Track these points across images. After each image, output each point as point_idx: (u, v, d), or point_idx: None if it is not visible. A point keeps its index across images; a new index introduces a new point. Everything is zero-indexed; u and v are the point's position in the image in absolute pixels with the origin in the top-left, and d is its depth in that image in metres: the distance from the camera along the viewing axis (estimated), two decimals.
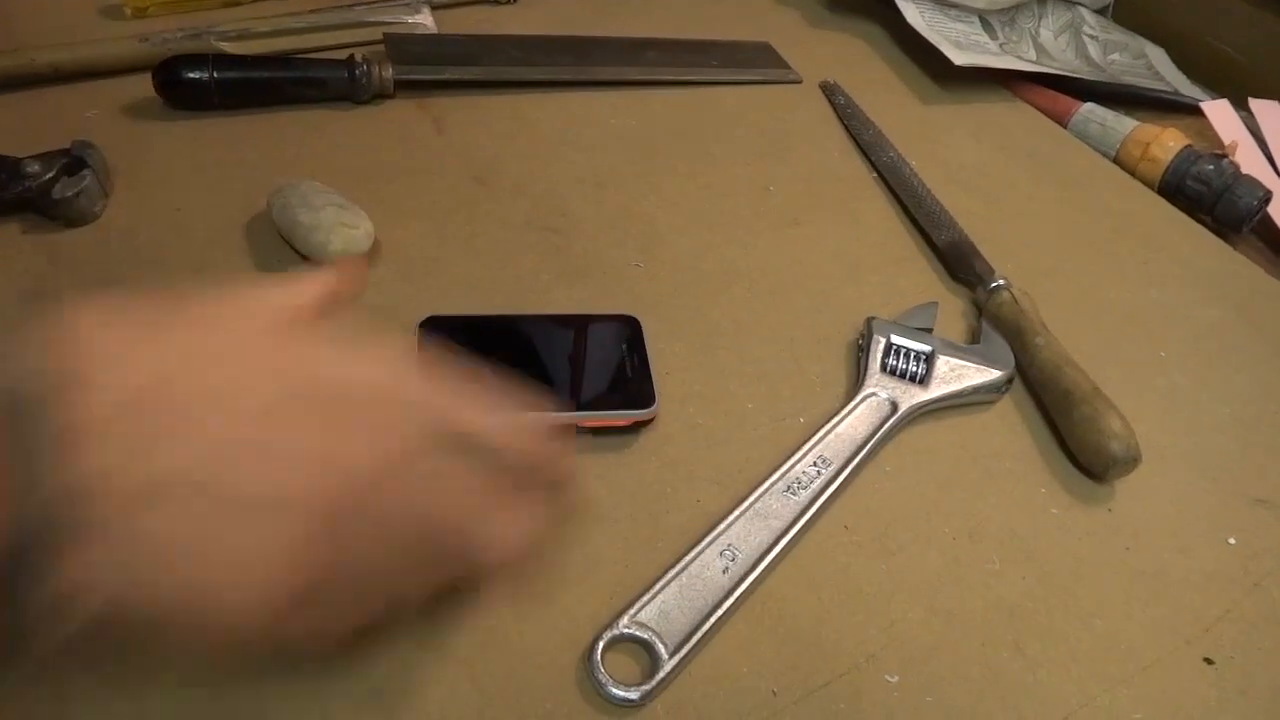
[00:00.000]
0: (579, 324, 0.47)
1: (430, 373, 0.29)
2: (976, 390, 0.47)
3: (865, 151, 0.64)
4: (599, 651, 0.34)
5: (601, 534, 0.39)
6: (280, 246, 0.48)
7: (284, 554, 0.24)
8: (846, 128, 0.67)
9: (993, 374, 0.47)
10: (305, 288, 0.30)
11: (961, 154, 0.66)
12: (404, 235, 0.51)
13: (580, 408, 0.42)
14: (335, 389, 0.26)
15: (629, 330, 0.46)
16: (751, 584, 0.37)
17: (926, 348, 0.48)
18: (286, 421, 0.25)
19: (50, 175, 0.47)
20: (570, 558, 0.38)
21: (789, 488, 0.41)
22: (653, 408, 0.42)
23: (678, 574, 0.37)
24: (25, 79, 0.55)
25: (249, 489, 0.24)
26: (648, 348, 0.45)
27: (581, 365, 0.45)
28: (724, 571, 0.38)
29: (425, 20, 0.67)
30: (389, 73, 0.59)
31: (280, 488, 0.24)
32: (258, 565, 0.24)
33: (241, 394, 0.25)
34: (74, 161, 0.48)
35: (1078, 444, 0.44)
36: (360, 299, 0.43)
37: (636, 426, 0.43)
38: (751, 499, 0.40)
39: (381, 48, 0.64)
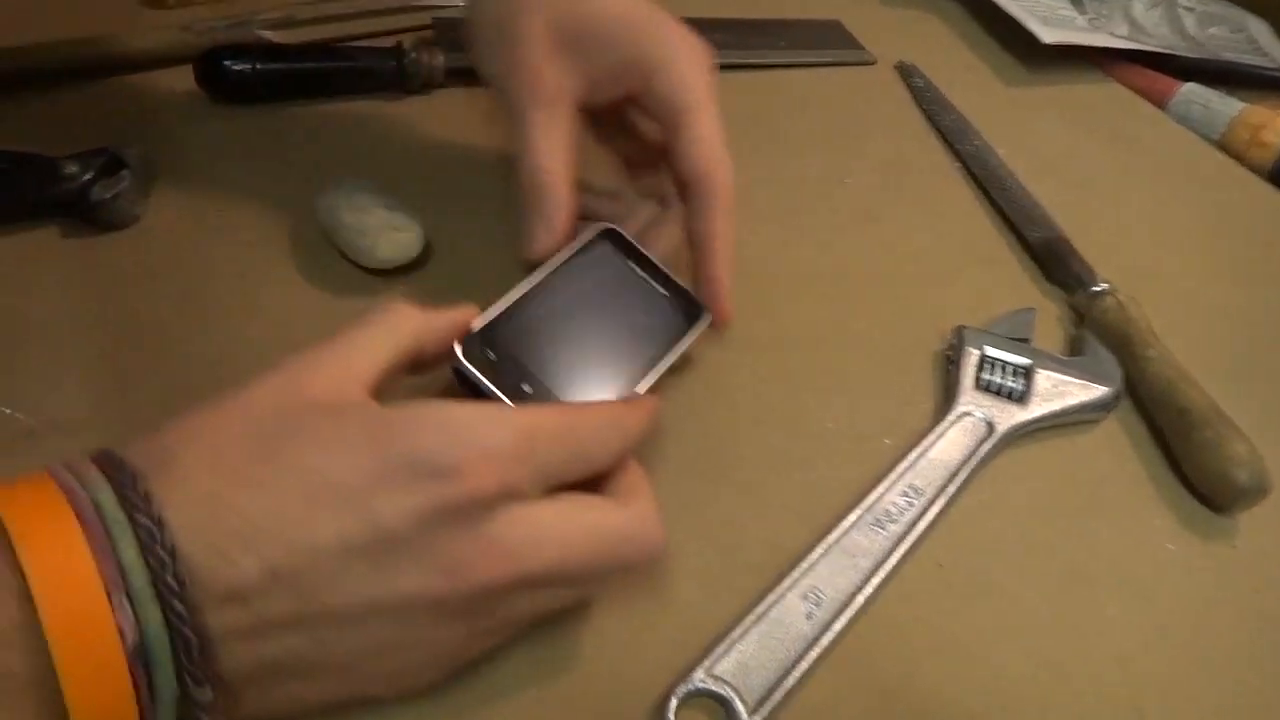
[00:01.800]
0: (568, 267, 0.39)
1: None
2: (1081, 409, 0.42)
3: (946, 138, 0.60)
4: (672, 709, 0.31)
5: (670, 572, 0.36)
6: (327, 250, 0.45)
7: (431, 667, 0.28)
8: (925, 113, 0.62)
9: (1099, 390, 0.43)
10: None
11: (1051, 141, 0.61)
12: (456, 238, 0.48)
13: (645, 358, 0.37)
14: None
15: (614, 242, 0.40)
16: (838, 632, 0.34)
17: (1025, 361, 0.43)
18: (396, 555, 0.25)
19: (88, 177, 0.45)
20: (637, 599, 0.35)
21: (877, 521, 0.37)
22: (708, 315, 0.40)
23: (757, 621, 0.34)
24: (62, 72, 0.52)
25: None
26: (645, 251, 0.40)
27: (614, 311, 0.39)
28: (807, 618, 0.34)
29: None
30: (439, 60, 0.56)
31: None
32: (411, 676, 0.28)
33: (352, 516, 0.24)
34: (112, 161, 0.46)
35: (1197, 471, 0.40)
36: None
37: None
38: (836, 534, 0.37)
39: (431, 33, 0.60)
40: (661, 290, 0.40)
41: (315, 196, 0.45)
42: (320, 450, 0.24)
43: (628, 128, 0.44)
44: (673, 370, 0.39)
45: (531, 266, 0.39)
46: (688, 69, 0.40)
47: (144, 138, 0.47)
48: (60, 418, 0.38)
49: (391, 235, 0.43)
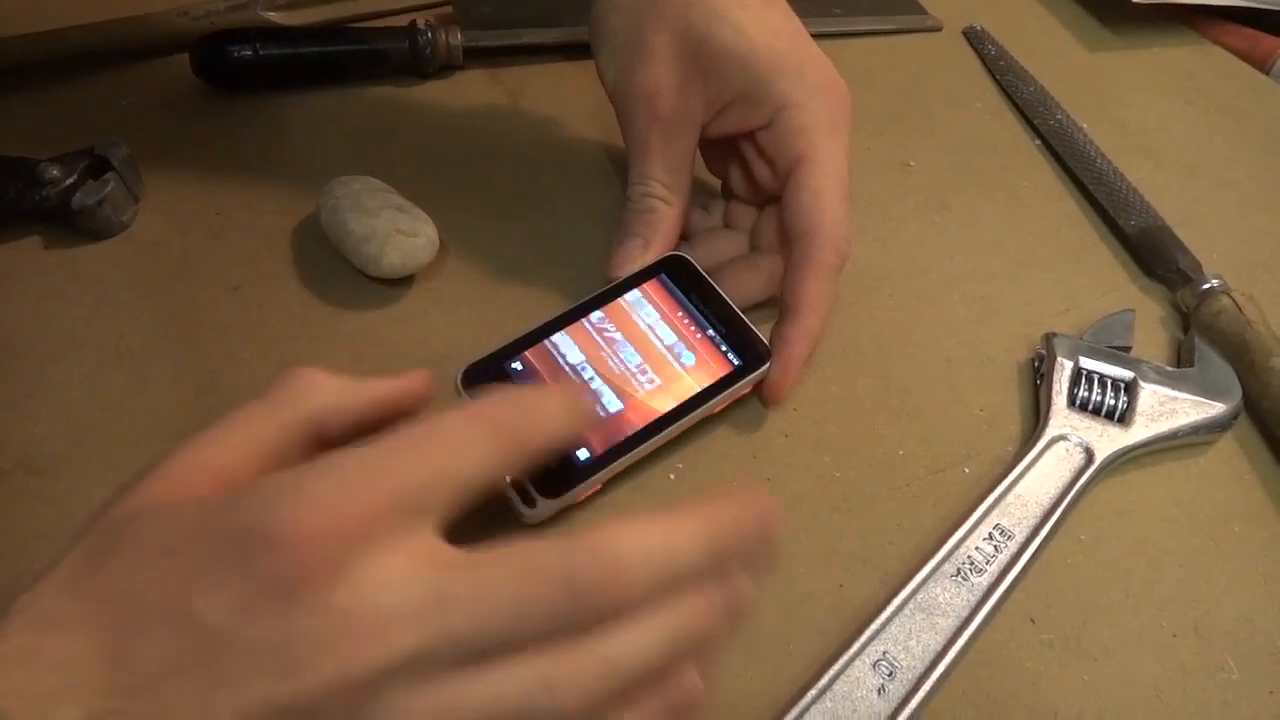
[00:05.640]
0: (623, 296, 0.36)
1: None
2: (1194, 429, 0.37)
3: (1024, 113, 0.53)
4: None
5: None
6: (333, 257, 0.40)
7: None
8: (999, 84, 0.56)
9: (1214, 407, 0.37)
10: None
11: (1143, 113, 0.54)
12: (474, 238, 0.43)
13: (679, 400, 0.34)
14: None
15: (684, 274, 0.37)
16: (916, 708, 0.29)
17: (1127, 374, 0.38)
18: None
19: (71, 181, 0.41)
20: None
21: (959, 571, 0.32)
22: (770, 362, 0.35)
23: (820, 695, 0.29)
24: (48, 64, 0.48)
25: None
26: (714, 284, 0.36)
27: (656, 347, 0.35)
28: (879, 691, 0.29)
29: None
30: (457, 39, 0.51)
31: None
32: None
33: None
34: (97, 163, 0.41)
35: None
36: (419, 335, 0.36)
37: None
38: (910, 588, 0.31)
39: (448, 10, 0.55)
40: (719, 328, 0.36)
41: (319, 196, 0.41)
42: (131, 568, 0.20)
43: (741, 161, 0.40)
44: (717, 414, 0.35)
45: (609, 281, 0.37)
46: (819, 114, 0.36)
47: (133, 135, 0.43)
48: (33, 455, 0.34)
49: (399, 241, 0.38)
